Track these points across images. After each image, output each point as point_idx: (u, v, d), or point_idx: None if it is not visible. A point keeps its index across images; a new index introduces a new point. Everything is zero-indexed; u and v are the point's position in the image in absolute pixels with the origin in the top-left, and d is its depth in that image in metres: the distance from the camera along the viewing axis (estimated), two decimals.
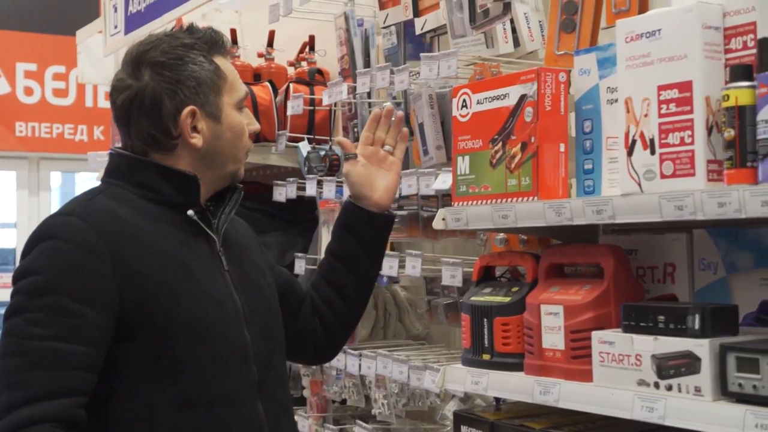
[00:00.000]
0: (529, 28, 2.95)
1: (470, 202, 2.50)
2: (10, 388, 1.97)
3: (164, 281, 2.09)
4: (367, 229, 2.51)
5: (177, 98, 2.16)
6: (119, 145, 2.30)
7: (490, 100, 2.46)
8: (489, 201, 2.44)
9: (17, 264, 2.12)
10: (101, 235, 2.06)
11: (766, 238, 2.17)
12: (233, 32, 4.32)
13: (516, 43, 2.95)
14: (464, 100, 2.55)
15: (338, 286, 2.51)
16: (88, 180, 12.32)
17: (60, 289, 2.01)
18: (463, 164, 2.55)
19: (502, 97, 2.42)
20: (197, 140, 2.19)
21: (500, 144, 2.42)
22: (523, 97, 2.35)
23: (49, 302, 2.00)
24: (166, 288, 2.09)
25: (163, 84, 2.16)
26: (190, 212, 2.21)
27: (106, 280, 2.04)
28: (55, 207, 10.03)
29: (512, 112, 2.38)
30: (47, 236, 2.07)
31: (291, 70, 4.27)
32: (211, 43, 2.24)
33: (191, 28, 2.25)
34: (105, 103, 9.56)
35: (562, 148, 2.35)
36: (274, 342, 2.32)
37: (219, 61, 2.24)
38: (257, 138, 3.99)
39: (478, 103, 2.50)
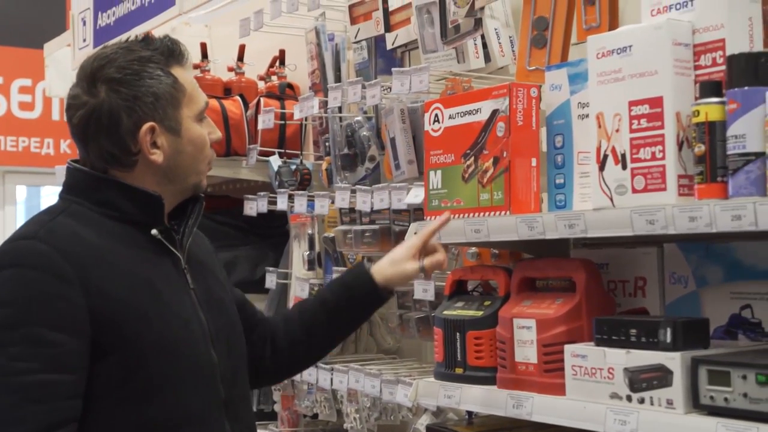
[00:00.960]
0: (499, 43, 2.97)
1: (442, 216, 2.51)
2: (5, 426, 1.91)
3: (133, 303, 2.05)
4: (366, 301, 2.50)
5: (135, 115, 2.10)
6: (76, 158, 2.26)
7: (462, 114, 2.47)
8: (462, 215, 2.45)
9: None
10: (67, 259, 2.00)
11: (735, 252, 2.19)
12: (203, 46, 4.31)
13: (487, 58, 2.97)
14: (436, 115, 2.56)
15: (312, 335, 2.49)
16: (53, 194, 12.29)
17: (33, 320, 1.95)
18: (435, 179, 2.56)
19: (474, 111, 2.43)
20: (157, 156, 2.13)
21: (472, 159, 2.43)
22: (495, 112, 2.37)
23: (24, 334, 1.94)
24: (135, 310, 2.05)
25: (120, 101, 2.09)
26: (154, 231, 2.16)
27: (76, 305, 1.98)
28: (21, 221, 9.96)
29: (484, 126, 2.40)
30: (10, 263, 2.00)
31: (261, 84, 4.28)
32: (168, 53, 2.17)
33: (147, 39, 2.19)
34: None
35: (533, 162, 2.36)
36: (238, 359, 2.30)
37: (177, 72, 2.17)
38: (228, 152, 3.99)
39: (450, 117, 2.51)
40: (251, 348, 2.40)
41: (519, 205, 2.33)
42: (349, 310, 2.49)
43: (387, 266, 2.47)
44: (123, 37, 2.25)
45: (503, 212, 2.34)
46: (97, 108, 2.10)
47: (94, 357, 2.01)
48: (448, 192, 2.51)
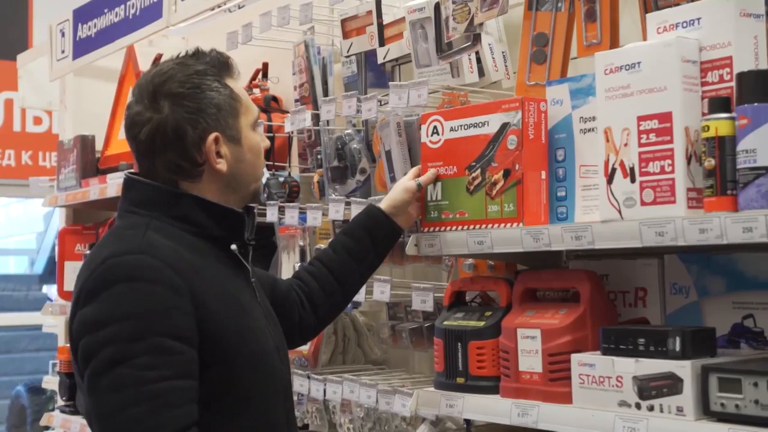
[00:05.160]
0: (493, 58, 3.02)
1: (444, 228, 2.55)
2: None
3: (229, 317, 2.11)
4: (384, 239, 2.65)
5: (200, 127, 2.17)
6: (133, 170, 2.28)
7: (465, 127, 2.51)
8: (467, 227, 2.48)
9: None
10: (177, 272, 2.04)
11: (738, 263, 2.26)
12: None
13: (480, 72, 3.01)
14: (435, 127, 2.60)
15: (345, 282, 2.64)
16: (3, 205, 12.12)
17: (156, 330, 1.98)
18: (434, 190, 2.60)
19: (480, 124, 2.47)
20: (222, 165, 2.20)
21: (479, 171, 2.47)
22: (505, 125, 2.41)
23: (150, 344, 1.97)
24: (232, 324, 2.11)
25: (184, 114, 2.16)
26: (233, 247, 2.23)
27: (190, 317, 2.03)
28: None
29: (493, 139, 2.43)
30: (125, 278, 2.02)
31: None
32: (220, 66, 2.25)
33: (198, 53, 2.25)
34: (33, 128, 9.47)
35: (543, 175, 2.41)
36: (289, 370, 2.38)
37: (230, 83, 2.25)
38: None
39: (451, 130, 2.56)
40: (291, 316, 2.54)
41: (531, 217, 2.37)
42: (374, 251, 2.65)
43: (399, 205, 2.62)
44: (174, 53, 2.29)
45: (516, 224, 2.37)
46: (163, 122, 2.17)
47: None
48: (450, 204, 2.55)
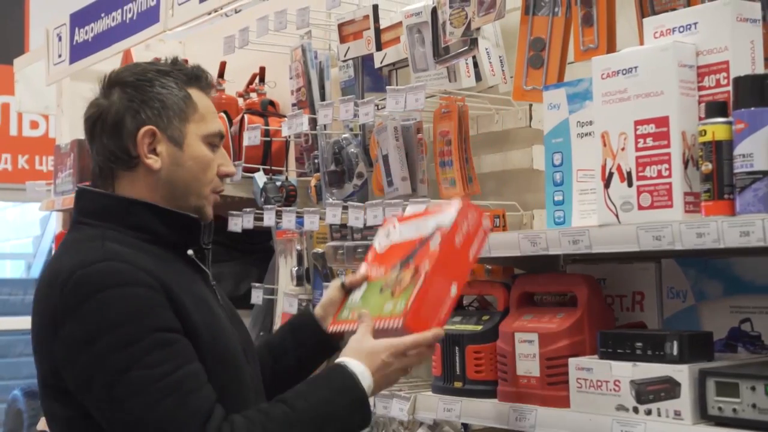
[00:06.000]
0: (490, 63, 3.02)
1: (345, 326, 2.28)
2: (183, 425, 1.94)
3: (199, 318, 2.08)
4: (308, 341, 2.44)
5: (138, 118, 2.15)
6: (87, 183, 2.27)
7: (411, 230, 2.29)
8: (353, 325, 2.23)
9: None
10: (147, 273, 2.02)
11: (735, 267, 2.26)
12: (185, 62, 4.32)
13: (478, 77, 3.01)
14: (388, 231, 2.39)
15: (282, 375, 2.43)
16: (0, 209, 12.12)
17: (150, 328, 1.97)
18: (358, 291, 2.34)
19: (422, 227, 2.24)
20: (153, 162, 2.15)
21: (397, 271, 2.22)
22: (438, 226, 2.18)
23: (150, 342, 1.95)
24: (202, 325, 2.08)
25: (127, 102, 2.16)
26: (190, 252, 2.21)
27: (170, 311, 2.02)
28: None
29: (423, 240, 2.20)
30: (99, 288, 1.98)
31: (240, 101, 4.29)
32: (191, 76, 2.23)
33: (176, 61, 2.26)
34: (30, 132, 9.46)
35: (453, 290, 2.14)
36: (258, 371, 2.34)
37: (194, 93, 2.22)
38: None
39: (400, 234, 2.33)
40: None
41: (416, 321, 2.08)
42: (294, 352, 2.44)
43: (323, 298, 2.45)
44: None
45: (396, 320, 2.10)
46: (106, 109, 2.17)
47: None
48: (362, 304, 2.28)
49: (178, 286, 2.07)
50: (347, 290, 2.39)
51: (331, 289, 2.44)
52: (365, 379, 2.09)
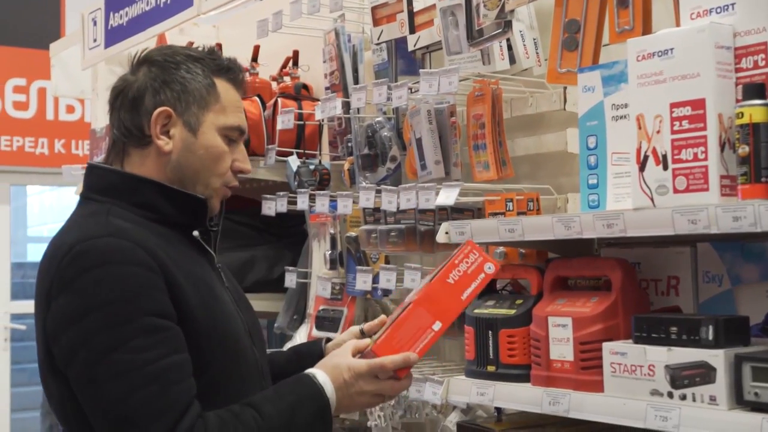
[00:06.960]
0: (524, 45, 3.00)
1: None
2: (162, 414, 1.93)
3: (199, 300, 2.07)
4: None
5: (157, 98, 2.16)
6: (99, 159, 2.28)
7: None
8: None
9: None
10: (148, 251, 2.01)
11: None
12: (219, 47, 4.33)
13: (511, 60, 2.99)
14: None
15: None
16: (38, 193, 12.23)
17: (142, 310, 1.96)
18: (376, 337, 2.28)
19: None
20: (164, 143, 2.15)
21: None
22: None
23: (140, 325, 1.94)
24: (202, 305, 2.07)
25: (150, 81, 2.17)
26: (195, 233, 2.20)
27: (167, 295, 2.01)
28: (13, 221, 9.96)
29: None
30: (97, 263, 1.98)
31: (274, 85, 4.30)
32: (222, 66, 2.23)
33: (212, 51, 2.26)
34: (66, 116, 9.53)
35: (436, 327, 2.14)
36: (265, 356, 2.35)
37: (221, 83, 2.22)
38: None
39: None
40: None
41: (385, 348, 2.13)
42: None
43: (338, 337, 2.46)
44: (205, 41, 2.33)
45: (369, 346, 2.18)
46: (130, 84, 2.20)
47: None
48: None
49: (177, 265, 2.06)
50: (366, 336, 2.37)
51: (348, 333, 2.42)
52: (328, 390, 2.11)
